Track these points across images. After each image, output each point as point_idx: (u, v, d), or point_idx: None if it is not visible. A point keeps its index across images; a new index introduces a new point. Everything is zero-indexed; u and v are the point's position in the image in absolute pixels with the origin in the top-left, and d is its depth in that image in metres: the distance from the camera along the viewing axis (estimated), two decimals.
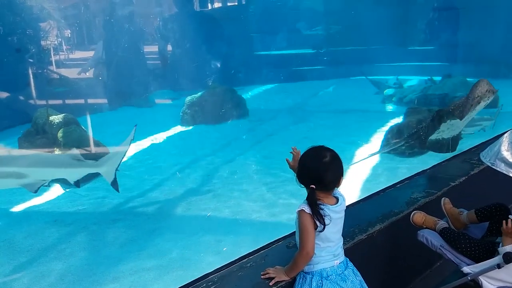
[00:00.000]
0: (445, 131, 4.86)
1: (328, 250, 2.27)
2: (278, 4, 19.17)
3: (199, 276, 2.64)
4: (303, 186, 2.26)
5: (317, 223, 2.16)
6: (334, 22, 18.00)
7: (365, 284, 2.35)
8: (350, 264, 2.39)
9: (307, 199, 2.20)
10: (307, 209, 2.17)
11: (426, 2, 17.46)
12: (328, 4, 18.35)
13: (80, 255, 5.05)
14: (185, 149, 9.21)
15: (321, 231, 2.19)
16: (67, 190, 7.20)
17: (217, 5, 18.96)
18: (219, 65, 14.49)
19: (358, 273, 2.37)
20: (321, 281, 2.24)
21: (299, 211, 2.20)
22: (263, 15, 18.03)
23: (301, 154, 2.32)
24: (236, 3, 19.18)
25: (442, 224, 2.76)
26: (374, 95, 13.73)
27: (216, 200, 6.53)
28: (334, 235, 2.27)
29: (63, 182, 7.37)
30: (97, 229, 5.70)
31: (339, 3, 17.89)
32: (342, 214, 2.31)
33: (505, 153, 2.23)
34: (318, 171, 2.17)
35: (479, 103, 4.71)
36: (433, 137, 4.77)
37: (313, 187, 2.18)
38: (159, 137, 10.25)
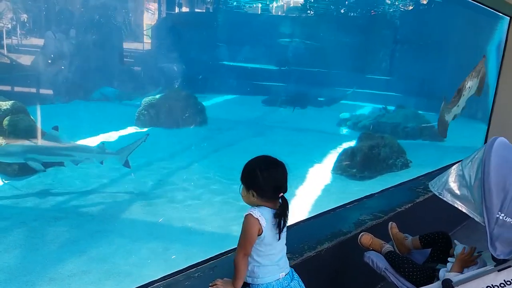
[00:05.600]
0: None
1: (272, 259, 2.29)
2: (249, 17, 19.39)
3: (143, 284, 2.56)
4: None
5: (262, 225, 2.19)
6: (300, 42, 18.42)
7: None
8: (296, 275, 2.42)
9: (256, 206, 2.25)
10: (256, 214, 2.22)
11: (390, 34, 18.35)
12: (295, 25, 18.79)
13: (16, 253, 4.74)
14: (138, 151, 8.95)
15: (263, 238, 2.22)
16: (6, 182, 6.76)
17: (188, 9, 18.82)
18: (183, 70, 14.31)
19: (304, 286, 2.40)
20: None
21: (246, 214, 2.25)
22: (232, 25, 18.15)
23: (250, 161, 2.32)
24: (207, 11, 19.18)
25: (388, 247, 2.85)
26: (330, 118, 14.06)
27: (166, 206, 6.39)
28: (276, 242, 2.29)
29: (2, 173, 6.94)
30: (37, 226, 5.38)
31: (306, 25, 18.37)
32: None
33: (452, 184, 2.32)
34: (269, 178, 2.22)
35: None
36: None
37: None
38: (112, 136, 9.92)
